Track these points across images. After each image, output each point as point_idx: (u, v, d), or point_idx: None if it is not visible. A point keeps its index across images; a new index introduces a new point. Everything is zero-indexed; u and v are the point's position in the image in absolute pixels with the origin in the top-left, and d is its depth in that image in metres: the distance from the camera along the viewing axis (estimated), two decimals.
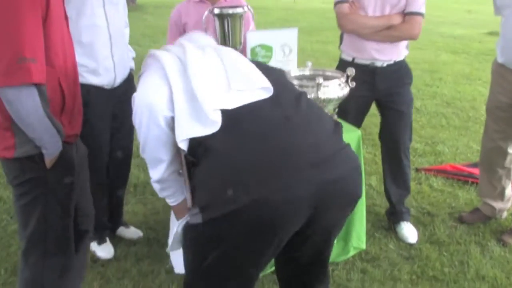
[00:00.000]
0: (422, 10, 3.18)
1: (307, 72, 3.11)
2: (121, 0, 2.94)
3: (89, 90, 2.72)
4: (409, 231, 3.37)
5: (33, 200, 2.10)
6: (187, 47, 1.90)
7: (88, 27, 2.69)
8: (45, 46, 1.92)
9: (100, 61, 2.78)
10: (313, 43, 10.95)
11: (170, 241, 2.03)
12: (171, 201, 2.00)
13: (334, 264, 3.04)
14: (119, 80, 2.92)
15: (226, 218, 1.60)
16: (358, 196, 1.84)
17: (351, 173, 1.79)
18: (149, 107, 1.76)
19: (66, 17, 2.16)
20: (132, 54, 3.16)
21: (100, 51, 2.76)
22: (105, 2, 2.75)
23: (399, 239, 3.35)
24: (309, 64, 3.15)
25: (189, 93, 1.74)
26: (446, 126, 5.62)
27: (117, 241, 3.34)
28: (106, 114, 2.94)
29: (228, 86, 1.77)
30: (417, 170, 4.39)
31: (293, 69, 3.09)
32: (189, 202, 1.94)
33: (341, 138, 1.87)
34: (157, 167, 1.87)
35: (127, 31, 3.05)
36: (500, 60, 3.26)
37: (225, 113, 1.72)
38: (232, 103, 1.74)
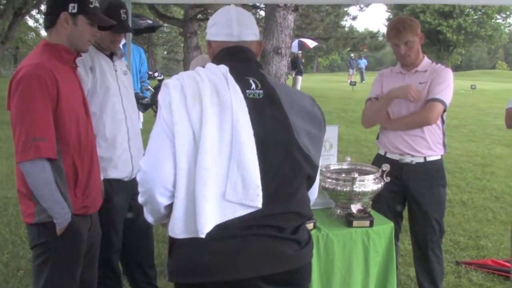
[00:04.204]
0: (441, 96, 3.22)
1: (345, 166, 3.39)
2: (133, 97, 3.29)
3: (112, 184, 3.04)
4: None
5: (44, 262, 2.49)
6: (208, 119, 1.78)
7: (110, 121, 3.01)
8: (58, 127, 2.39)
9: (120, 153, 3.07)
10: (367, 133, 11.18)
11: None
12: None
13: None
14: (136, 172, 3.18)
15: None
16: None
17: None
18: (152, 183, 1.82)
19: (85, 107, 2.63)
20: (143, 151, 3.36)
21: (120, 144, 3.06)
22: (123, 98, 3.12)
23: None
24: (348, 159, 3.42)
25: (190, 196, 1.77)
26: (492, 221, 5.67)
27: None
28: (124, 206, 3.22)
29: (222, 196, 1.78)
30: (457, 263, 4.47)
31: (332, 163, 3.37)
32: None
33: None
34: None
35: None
36: None
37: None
38: (220, 216, 1.79)
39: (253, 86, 1.89)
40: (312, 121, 1.98)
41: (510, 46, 79.40)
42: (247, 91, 1.86)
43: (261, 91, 1.89)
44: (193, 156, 1.77)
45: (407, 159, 3.39)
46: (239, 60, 1.97)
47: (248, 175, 1.79)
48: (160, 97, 1.85)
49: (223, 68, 1.90)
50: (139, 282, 3.56)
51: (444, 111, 3.31)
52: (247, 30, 2.02)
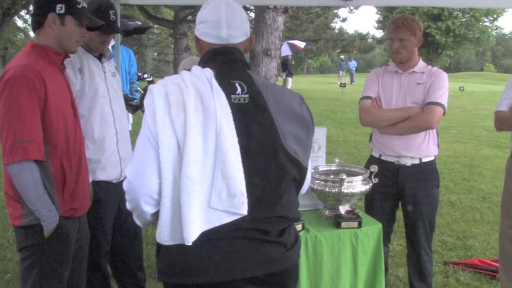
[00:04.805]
0: (442, 100, 3.26)
1: (333, 167, 3.40)
2: (122, 98, 3.29)
3: (100, 186, 3.03)
4: None
5: (31, 265, 2.48)
6: (192, 127, 1.76)
7: (99, 123, 3.00)
8: (46, 129, 2.37)
9: (109, 155, 3.06)
10: (357, 135, 11.27)
11: None
12: None
13: None
14: (124, 174, 3.14)
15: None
16: None
17: None
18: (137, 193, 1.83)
19: (74, 108, 2.61)
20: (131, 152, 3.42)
21: (108, 146, 3.05)
22: (112, 99, 3.11)
23: None
24: (336, 160, 3.43)
25: (176, 205, 1.78)
26: (480, 221, 5.71)
27: None
28: (113, 208, 3.20)
29: (208, 203, 1.78)
30: (445, 263, 4.50)
31: (321, 165, 3.39)
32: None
33: None
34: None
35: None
36: None
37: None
38: (206, 224, 1.79)
39: (239, 90, 1.87)
40: (299, 123, 1.96)
41: (498, 48, 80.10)
42: (232, 96, 1.84)
43: (246, 95, 1.87)
44: (178, 165, 1.77)
45: (403, 161, 3.40)
46: (226, 61, 1.95)
47: (233, 183, 1.78)
48: (145, 103, 1.84)
49: (208, 73, 1.88)
50: (128, 284, 3.54)
51: (443, 114, 3.33)
52: (236, 33, 1.98)
